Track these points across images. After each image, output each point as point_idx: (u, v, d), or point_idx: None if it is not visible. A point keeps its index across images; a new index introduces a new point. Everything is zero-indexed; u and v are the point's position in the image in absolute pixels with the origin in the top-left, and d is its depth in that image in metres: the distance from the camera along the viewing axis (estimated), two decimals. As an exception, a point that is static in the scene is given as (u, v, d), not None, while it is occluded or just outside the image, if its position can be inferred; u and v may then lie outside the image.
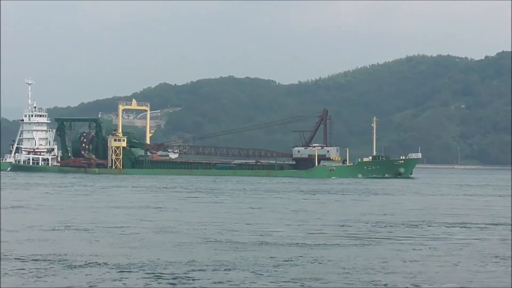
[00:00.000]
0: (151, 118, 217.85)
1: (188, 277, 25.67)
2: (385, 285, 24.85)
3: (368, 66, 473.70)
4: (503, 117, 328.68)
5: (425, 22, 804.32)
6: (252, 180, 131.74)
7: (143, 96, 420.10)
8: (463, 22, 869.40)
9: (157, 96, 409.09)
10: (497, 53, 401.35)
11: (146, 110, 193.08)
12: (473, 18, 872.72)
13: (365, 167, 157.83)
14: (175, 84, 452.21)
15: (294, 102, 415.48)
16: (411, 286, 24.75)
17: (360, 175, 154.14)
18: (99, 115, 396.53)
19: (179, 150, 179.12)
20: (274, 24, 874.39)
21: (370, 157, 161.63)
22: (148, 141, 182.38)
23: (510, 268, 28.14)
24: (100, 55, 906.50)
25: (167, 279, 25.29)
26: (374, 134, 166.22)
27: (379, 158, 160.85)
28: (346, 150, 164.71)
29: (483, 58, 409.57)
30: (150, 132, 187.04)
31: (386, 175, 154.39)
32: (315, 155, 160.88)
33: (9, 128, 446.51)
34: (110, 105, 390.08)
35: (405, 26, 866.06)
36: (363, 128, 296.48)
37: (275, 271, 27.00)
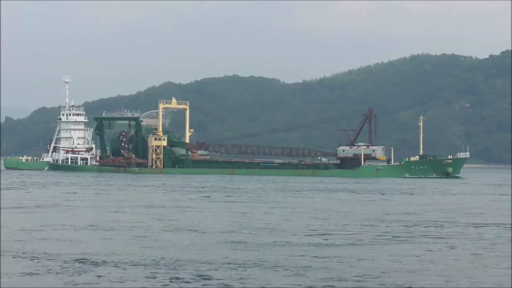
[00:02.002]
0: (152, 118, 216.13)
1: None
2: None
3: (372, 65, 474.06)
4: (507, 116, 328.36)
5: (429, 21, 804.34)
6: (305, 180, 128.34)
7: (147, 95, 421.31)
8: (467, 21, 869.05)
9: (161, 95, 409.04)
10: (501, 52, 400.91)
11: (186, 109, 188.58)
12: (477, 17, 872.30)
13: (412, 166, 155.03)
14: (180, 83, 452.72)
15: (298, 101, 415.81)
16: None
17: (407, 175, 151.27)
18: (103, 114, 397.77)
19: (222, 150, 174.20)
20: (279, 23, 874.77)
21: (417, 157, 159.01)
22: (187, 140, 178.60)
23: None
24: (105, 55, 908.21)
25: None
26: (421, 133, 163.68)
27: (426, 158, 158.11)
28: (391, 149, 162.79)
29: (487, 57, 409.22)
30: (189, 131, 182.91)
31: (434, 175, 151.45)
32: (361, 154, 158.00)
33: (14, 127, 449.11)
34: (115, 104, 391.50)
35: (409, 25, 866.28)
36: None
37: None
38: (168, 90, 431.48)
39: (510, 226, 44.58)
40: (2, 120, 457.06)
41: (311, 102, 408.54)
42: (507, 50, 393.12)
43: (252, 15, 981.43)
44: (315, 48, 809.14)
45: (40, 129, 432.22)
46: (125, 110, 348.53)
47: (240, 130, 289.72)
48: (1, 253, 30.18)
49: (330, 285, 24.55)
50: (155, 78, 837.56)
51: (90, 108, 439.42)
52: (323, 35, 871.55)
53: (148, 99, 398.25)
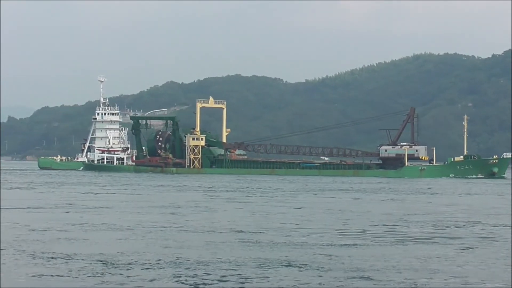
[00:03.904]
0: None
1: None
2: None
3: (375, 65, 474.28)
4: (510, 116, 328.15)
5: (431, 20, 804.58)
6: (352, 180, 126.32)
7: (150, 95, 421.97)
8: (470, 21, 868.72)
9: (164, 95, 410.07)
10: (503, 52, 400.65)
11: (222, 108, 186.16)
12: (480, 17, 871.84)
13: (457, 166, 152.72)
14: (182, 83, 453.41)
15: (301, 100, 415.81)
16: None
17: (452, 175, 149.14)
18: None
19: (261, 149, 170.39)
20: (281, 23, 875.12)
21: (462, 157, 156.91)
22: (224, 140, 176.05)
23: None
24: (107, 54, 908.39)
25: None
26: (465, 133, 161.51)
27: (471, 158, 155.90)
28: (433, 149, 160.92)
29: (490, 56, 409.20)
30: (226, 131, 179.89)
31: (479, 175, 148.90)
32: (404, 154, 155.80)
33: (16, 127, 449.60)
34: (118, 103, 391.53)
35: (411, 24, 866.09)
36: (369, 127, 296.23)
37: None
38: (171, 90, 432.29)
39: None
40: (5, 120, 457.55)
41: (314, 101, 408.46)
42: (510, 50, 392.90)
43: (255, 15, 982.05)
44: (317, 47, 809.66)
45: (42, 128, 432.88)
46: (128, 110, 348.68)
47: (242, 130, 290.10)
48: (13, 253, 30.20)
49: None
50: (158, 78, 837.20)
51: (93, 108, 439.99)
52: (325, 35, 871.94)
53: (151, 98, 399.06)
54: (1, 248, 31.48)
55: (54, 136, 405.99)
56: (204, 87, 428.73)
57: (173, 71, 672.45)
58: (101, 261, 28.20)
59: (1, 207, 53.42)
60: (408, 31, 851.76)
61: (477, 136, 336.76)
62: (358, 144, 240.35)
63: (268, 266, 27.46)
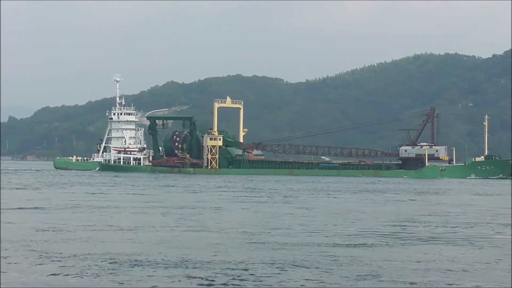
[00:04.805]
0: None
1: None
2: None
3: (376, 65, 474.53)
4: (510, 116, 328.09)
5: (432, 20, 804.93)
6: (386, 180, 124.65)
7: (150, 95, 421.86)
8: (471, 21, 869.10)
9: (164, 95, 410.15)
10: (504, 52, 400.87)
11: (240, 108, 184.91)
12: (480, 17, 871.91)
13: (478, 167, 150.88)
14: (183, 83, 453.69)
15: (301, 100, 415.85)
16: None
17: (472, 175, 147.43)
18: (107, 113, 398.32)
19: (280, 150, 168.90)
20: (282, 23, 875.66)
21: (482, 157, 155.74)
22: (241, 140, 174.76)
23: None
24: (107, 54, 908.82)
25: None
26: (486, 133, 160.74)
27: (492, 158, 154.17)
28: (453, 149, 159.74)
29: (491, 56, 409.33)
30: (243, 131, 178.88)
31: (501, 175, 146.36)
32: (424, 154, 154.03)
33: (17, 127, 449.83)
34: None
35: (412, 25, 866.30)
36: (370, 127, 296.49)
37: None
38: (172, 90, 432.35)
39: None
40: (5, 120, 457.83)
41: (315, 101, 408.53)
42: (510, 50, 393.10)
43: (256, 15, 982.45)
44: (318, 47, 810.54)
45: (43, 128, 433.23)
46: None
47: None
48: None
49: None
50: (158, 78, 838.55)
51: (93, 108, 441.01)
52: (326, 35, 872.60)
53: (151, 98, 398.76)
54: (19, 247, 31.47)
55: (54, 136, 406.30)
56: (204, 87, 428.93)
57: (174, 71, 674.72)
58: (129, 261, 28.08)
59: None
60: (408, 31, 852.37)
61: (477, 136, 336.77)
62: (358, 144, 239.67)
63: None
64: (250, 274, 25.58)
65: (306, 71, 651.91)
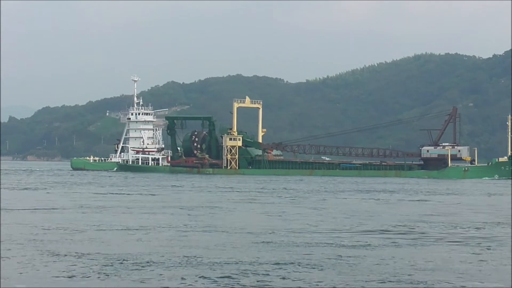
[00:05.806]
0: (158, 117, 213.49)
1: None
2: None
3: (376, 65, 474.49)
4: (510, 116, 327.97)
5: (433, 20, 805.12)
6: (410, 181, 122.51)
7: (151, 95, 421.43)
8: (471, 21, 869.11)
9: (165, 95, 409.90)
10: (504, 52, 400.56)
11: (259, 108, 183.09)
12: (480, 17, 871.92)
13: (502, 167, 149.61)
14: (183, 83, 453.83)
15: (302, 100, 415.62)
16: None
17: (496, 176, 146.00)
18: (107, 114, 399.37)
19: (300, 150, 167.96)
20: (282, 23, 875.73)
21: (506, 157, 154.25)
22: (260, 140, 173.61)
23: None
24: (108, 54, 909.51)
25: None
26: (509, 133, 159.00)
27: None
28: (475, 149, 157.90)
29: (491, 56, 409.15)
30: (262, 131, 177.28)
31: None
32: (446, 154, 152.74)
33: (17, 127, 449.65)
34: (118, 103, 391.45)
35: (413, 25, 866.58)
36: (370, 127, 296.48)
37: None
38: (172, 90, 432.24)
39: None
40: (6, 120, 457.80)
41: (315, 101, 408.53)
42: (511, 50, 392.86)
43: (256, 15, 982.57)
44: (318, 47, 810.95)
45: (43, 128, 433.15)
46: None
47: (244, 129, 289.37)
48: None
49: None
50: (159, 78, 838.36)
51: (94, 108, 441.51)
52: (327, 35, 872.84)
53: (152, 98, 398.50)
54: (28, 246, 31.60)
55: (55, 136, 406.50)
56: (205, 87, 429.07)
57: (174, 71, 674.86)
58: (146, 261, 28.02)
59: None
60: (409, 31, 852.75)
61: (477, 136, 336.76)
62: (358, 144, 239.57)
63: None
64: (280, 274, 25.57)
65: (306, 71, 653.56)
